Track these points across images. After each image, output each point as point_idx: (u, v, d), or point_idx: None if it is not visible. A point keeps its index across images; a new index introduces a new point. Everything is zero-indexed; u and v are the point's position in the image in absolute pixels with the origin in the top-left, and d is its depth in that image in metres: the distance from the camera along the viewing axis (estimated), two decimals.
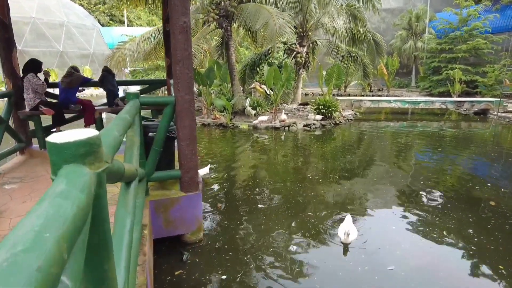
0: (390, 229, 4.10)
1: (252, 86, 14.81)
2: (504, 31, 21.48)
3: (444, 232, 3.99)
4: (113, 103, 5.33)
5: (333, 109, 11.60)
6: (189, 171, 3.47)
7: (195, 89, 13.25)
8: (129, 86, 22.28)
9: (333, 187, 5.71)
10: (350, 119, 12.69)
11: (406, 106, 14.41)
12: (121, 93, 5.77)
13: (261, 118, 11.22)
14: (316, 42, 16.07)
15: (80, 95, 7.19)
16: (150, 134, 3.45)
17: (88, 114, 4.96)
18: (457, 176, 6.38)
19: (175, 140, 3.66)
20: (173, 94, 3.39)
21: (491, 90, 19.23)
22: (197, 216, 3.62)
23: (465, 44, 20.49)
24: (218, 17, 12.19)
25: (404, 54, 26.73)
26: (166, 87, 5.78)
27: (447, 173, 6.58)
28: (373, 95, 23.55)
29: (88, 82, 5.43)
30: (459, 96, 19.99)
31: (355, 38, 15.06)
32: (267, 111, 12.77)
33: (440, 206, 4.79)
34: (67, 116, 5.42)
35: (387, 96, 24.92)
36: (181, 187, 3.55)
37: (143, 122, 3.51)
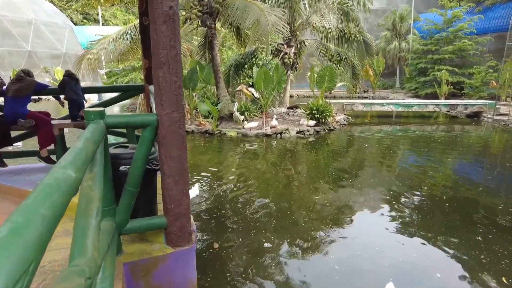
0: (435, 278, 3.25)
1: (238, 89, 13.84)
2: (486, 32, 21.50)
3: (504, 279, 3.17)
4: (78, 116, 4.24)
5: (327, 114, 10.80)
6: (179, 218, 2.48)
7: None
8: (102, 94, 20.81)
9: (352, 214, 4.83)
10: (344, 124, 11.95)
11: (400, 109, 13.84)
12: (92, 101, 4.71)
13: (250, 124, 10.27)
14: (304, 43, 15.29)
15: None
16: (122, 168, 2.44)
17: (44, 132, 3.85)
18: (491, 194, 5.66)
19: (158, 173, 2.66)
20: (155, 111, 2.40)
21: (478, 91, 19.08)
22: (190, 278, 2.63)
23: (451, 45, 20.29)
24: (201, 14, 11.15)
25: (388, 55, 26.46)
26: (144, 94, 4.74)
27: (474, 190, 5.86)
28: (358, 97, 23.09)
29: (44, 90, 4.31)
30: (446, 97, 19.75)
31: (344, 38, 14.37)
32: (256, 116, 11.84)
33: (480, 239, 3.99)
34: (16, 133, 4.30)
35: (373, 97, 24.56)
36: (167, 240, 2.55)
37: (111, 151, 2.49)
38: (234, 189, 5.81)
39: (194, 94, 12.37)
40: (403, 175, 6.65)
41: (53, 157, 4.10)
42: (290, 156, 8.33)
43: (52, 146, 4.01)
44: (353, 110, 13.83)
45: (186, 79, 10.22)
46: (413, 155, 8.36)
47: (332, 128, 10.98)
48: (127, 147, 2.64)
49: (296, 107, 14.72)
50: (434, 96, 20.68)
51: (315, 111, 10.66)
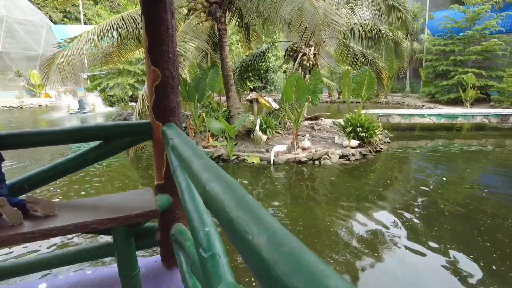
0: None
1: (249, 98, 11.35)
2: (509, 31, 19.65)
3: None
4: None
5: (373, 131, 8.44)
6: None
7: None
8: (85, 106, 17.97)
9: None
10: (387, 142, 9.59)
11: (442, 121, 11.59)
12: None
13: (277, 148, 7.77)
14: (324, 41, 12.91)
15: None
16: None
17: None
18: None
19: None
20: None
21: (509, 96, 17.08)
22: None
23: (478, 45, 18.27)
24: (208, 3, 8.65)
25: None
26: (152, 138, 2.22)
27: None
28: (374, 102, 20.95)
29: None
30: (472, 104, 17.74)
31: (372, 36, 12.09)
32: (278, 133, 9.39)
33: None
34: None
35: (386, 103, 22.46)
36: None
37: None
38: None
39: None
40: None
41: None
42: (348, 196, 5.88)
43: None
44: (389, 122, 11.53)
45: (193, 89, 7.69)
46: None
47: (378, 148, 8.62)
48: None
49: (316, 117, 12.36)
50: (456, 102, 18.67)
51: (360, 128, 8.26)
